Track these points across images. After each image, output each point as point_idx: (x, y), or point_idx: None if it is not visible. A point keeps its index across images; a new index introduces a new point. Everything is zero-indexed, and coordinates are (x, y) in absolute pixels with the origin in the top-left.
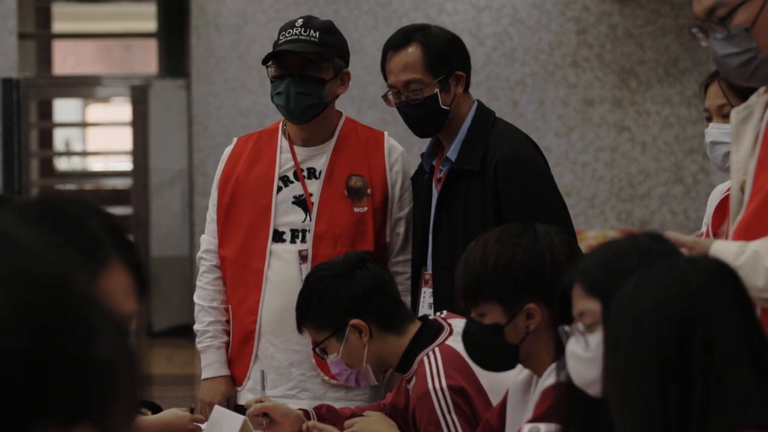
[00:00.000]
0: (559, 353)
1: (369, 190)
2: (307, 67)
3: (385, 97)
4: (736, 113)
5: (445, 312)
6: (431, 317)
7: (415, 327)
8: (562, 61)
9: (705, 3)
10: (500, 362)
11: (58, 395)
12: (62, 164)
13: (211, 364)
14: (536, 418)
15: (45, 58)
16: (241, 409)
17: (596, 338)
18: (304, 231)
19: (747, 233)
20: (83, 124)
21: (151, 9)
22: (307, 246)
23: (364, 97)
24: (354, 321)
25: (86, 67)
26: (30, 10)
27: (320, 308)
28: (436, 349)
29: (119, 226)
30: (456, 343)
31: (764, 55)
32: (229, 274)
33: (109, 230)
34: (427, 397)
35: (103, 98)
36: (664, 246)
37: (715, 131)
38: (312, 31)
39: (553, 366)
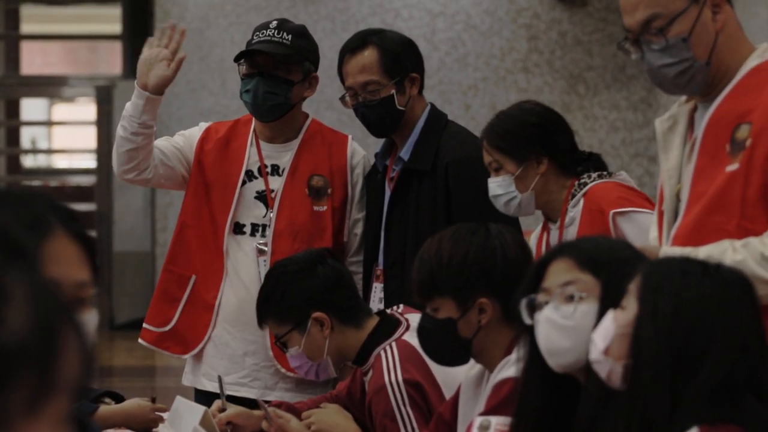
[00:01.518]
0: (512, 347)
1: (330, 190)
2: (277, 68)
3: (342, 99)
4: (660, 123)
5: (402, 306)
6: (389, 311)
7: (373, 321)
8: (513, 67)
9: (639, 16)
10: (453, 356)
11: None
12: (28, 161)
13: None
14: (487, 411)
15: (13, 58)
16: (201, 396)
17: (584, 308)
18: (264, 226)
19: (690, 239)
20: (49, 123)
21: (117, 12)
22: (267, 240)
23: (321, 99)
24: (316, 314)
25: (53, 68)
26: None
27: (283, 302)
28: (393, 344)
29: (62, 204)
30: (412, 338)
31: (699, 64)
32: (192, 244)
33: (51, 206)
34: (383, 390)
35: (69, 98)
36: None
37: (492, 185)
38: (285, 34)
39: (504, 360)
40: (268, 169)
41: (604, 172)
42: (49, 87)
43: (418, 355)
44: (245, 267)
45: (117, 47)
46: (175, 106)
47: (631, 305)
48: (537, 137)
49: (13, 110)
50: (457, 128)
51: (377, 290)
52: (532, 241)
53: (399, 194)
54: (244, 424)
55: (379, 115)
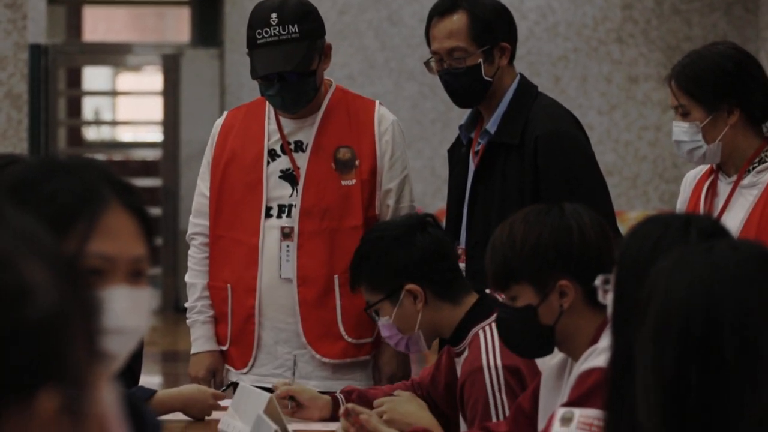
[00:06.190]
0: (599, 334)
1: (357, 162)
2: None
3: (427, 63)
4: None
5: None
6: (488, 291)
7: (472, 299)
8: (606, 37)
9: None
10: (537, 346)
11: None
12: (91, 134)
13: (197, 340)
14: (571, 402)
15: (75, 24)
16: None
17: None
18: (290, 206)
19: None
20: (113, 93)
21: None
22: (293, 222)
23: (402, 69)
24: (410, 286)
25: (117, 35)
26: None
27: (377, 270)
28: (493, 325)
29: (118, 175)
30: None
31: None
32: (223, 252)
33: (107, 177)
34: (479, 373)
35: (134, 67)
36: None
37: (676, 130)
38: (290, 27)
39: (591, 349)
40: (292, 146)
41: None
42: (113, 55)
43: None
44: (271, 251)
45: (185, 13)
46: (246, 76)
47: None
48: (732, 86)
49: (75, 79)
50: (548, 101)
51: None
52: (687, 180)
53: (484, 169)
54: (308, 404)
55: (463, 85)
